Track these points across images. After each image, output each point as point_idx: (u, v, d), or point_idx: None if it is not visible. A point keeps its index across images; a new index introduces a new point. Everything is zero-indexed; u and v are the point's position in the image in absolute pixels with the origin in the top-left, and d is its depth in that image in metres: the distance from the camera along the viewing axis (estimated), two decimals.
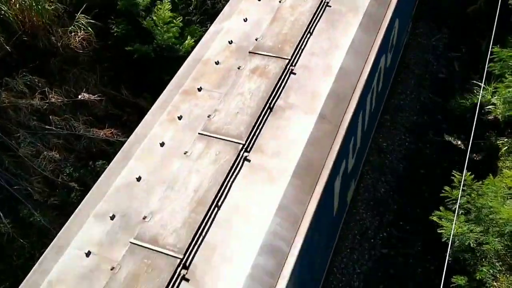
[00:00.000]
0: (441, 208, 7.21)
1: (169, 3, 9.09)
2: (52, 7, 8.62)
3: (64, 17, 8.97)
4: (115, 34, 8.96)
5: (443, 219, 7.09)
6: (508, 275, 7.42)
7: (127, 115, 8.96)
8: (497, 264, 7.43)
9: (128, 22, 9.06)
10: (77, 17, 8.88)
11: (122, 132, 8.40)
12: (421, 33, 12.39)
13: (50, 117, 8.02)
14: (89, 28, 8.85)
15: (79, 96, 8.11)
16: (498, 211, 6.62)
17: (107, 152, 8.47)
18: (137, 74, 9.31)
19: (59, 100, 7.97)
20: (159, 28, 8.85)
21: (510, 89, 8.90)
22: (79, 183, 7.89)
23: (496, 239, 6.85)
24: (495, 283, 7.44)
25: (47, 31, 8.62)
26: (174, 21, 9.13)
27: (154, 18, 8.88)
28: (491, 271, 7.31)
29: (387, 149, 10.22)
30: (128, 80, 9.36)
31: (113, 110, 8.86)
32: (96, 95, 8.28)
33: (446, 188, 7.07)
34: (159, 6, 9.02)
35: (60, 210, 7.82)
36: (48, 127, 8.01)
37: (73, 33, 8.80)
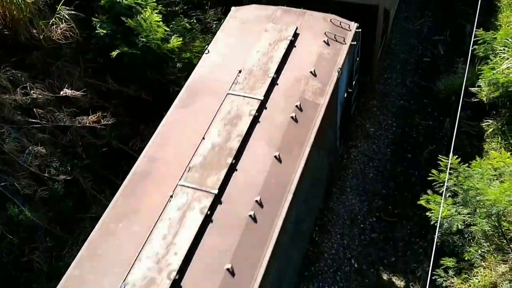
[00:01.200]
0: (428, 191, 7.28)
1: (155, 10, 8.95)
2: None
3: (45, 10, 8.82)
4: (100, 35, 8.78)
5: (431, 203, 7.16)
6: (496, 255, 7.55)
7: (113, 106, 8.86)
8: (484, 244, 7.55)
9: (112, 21, 8.89)
10: (58, 9, 8.73)
11: (110, 118, 8.31)
12: (405, 18, 12.42)
13: (34, 110, 7.91)
14: (71, 20, 8.71)
15: (61, 92, 7.97)
16: (485, 192, 6.69)
17: (93, 144, 8.40)
18: (123, 66, 9.20)
19: (41, 96, 7.84)
20: (144, 28, 8.69)
21: (495, 71, 8.97)
22: (66, 177, 7.84)
23: (484, 220, 6.94)
24: (483, 263, 7.57)
25: (28, 24, 8.48)
26: (162, 25, 8.97)
27: (140, 19, 8.69)
28: (479, 251, 7.43)
29: (375, 135, 10.28)
30: (113, 70, 9.24)
31: (98, 101, 8.75)
32: (80, 91, 8.13)
33: (434, 171, 7.12)
34: (149, 6, 8.86)
35: (48, 205, 7.76)
36: (33, 120, 7.90)
37: (54, 26, 8.66)
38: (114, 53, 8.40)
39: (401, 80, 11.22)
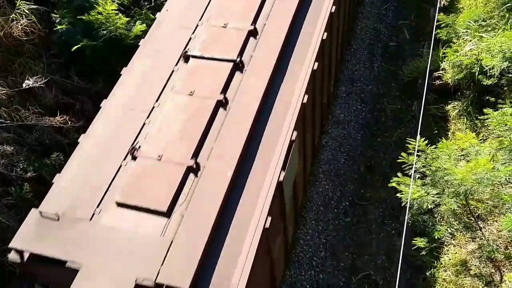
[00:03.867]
0: (399, 174, 7.41)
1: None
2: None
3: (4, 5, 8.55)
4: (60, 31, 8.58)
5: (401, 185, 7.30)
6: (464, 233, 7.78)
7: (80, 103, 8.69)
8: (454, 223, 7.77)
9: (73, 15, 8.68)
10: (18, 4, 8.48)
11: (77, 120, 8.16)
12: (370, 3, 12.51)
13: None
14: (32, 15, 8.48)
15: (24, 85, 7.77)
16: (452, 172, 6.86)
17: (61, 142, 8.23)
18: (87, 59, 9.02)
19: (3, 92, 7.63)
20: (103, 21, 8.54)
21: (458, 54, 9.16)
22: (34, 177, 7.67)
23: (452, 200, 7.12)
24: (453, 241, 7.79)
25: None
26: (121, 16, 8.83)
27: (95, 13, 8.52)
28: (449, 230, 7.64)
29: (345, 120, 10.38)
30: (78, 65, 9.05)
31: (64, 98, 8.57)
32: (41, 82, 7.94)
33: (403, 154, 7.25)
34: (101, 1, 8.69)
35: (17, 206, 7.59)
36: None
37: (15, 21, 8.41)
38: (74, 48, 8.24)
39: (368, 65, 11.34)
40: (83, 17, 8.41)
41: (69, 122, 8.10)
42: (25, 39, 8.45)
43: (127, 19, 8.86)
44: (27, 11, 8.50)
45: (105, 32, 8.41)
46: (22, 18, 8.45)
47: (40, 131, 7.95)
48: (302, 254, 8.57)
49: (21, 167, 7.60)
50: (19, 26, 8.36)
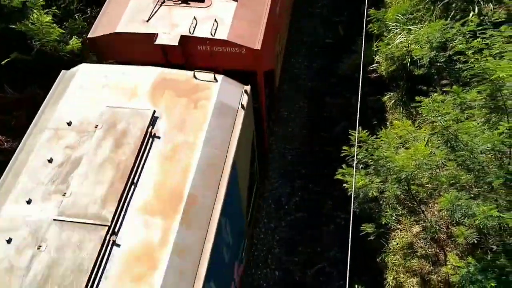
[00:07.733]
0: (343, 166, 7.60)
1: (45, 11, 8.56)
2: None
3: None
4: None
5: (346, 176, 7.50)
6: (409, 217, 8.11)
7: (16, 119, 8.38)
8: (398, 208, 8.08)
9: (5, 25, 8.40)
10: None
11: (13, 138, 7.85)
12: (306, 1, 12.80)
13: None
14: None
15: None
16: (393, 159, 7.12)
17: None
18: (21, 71, 8.70)
19: None
20: (36, 31, 8.30)
21: (390, 46, 9.54)
22: None
23: (395, 186, 7.39)
24: (399, 226, 8.11)
25: None
26: (55, 26, 8.62)
27: (28, 23, 8.27)
28: (394, 215, 7.94)
29: (289, 117, 10.58)
30: (12, 76, 8.71)
31: None
32: None
33: (345, 147, 7.44)
34: (35, 11, 8.43)
35: None
36: None
37: None
38: (4, 62, 7.97)
39: (307, 63, 11.60)
40: (14, 27, 8.14)
41: (5, 143, 7.77)
42: None
43: (62, 31, 8.64)
44: None
45: (38, 44, 8.17)
46: None
47: None
48: (256, 252, 8.66)
49: None
50: None
